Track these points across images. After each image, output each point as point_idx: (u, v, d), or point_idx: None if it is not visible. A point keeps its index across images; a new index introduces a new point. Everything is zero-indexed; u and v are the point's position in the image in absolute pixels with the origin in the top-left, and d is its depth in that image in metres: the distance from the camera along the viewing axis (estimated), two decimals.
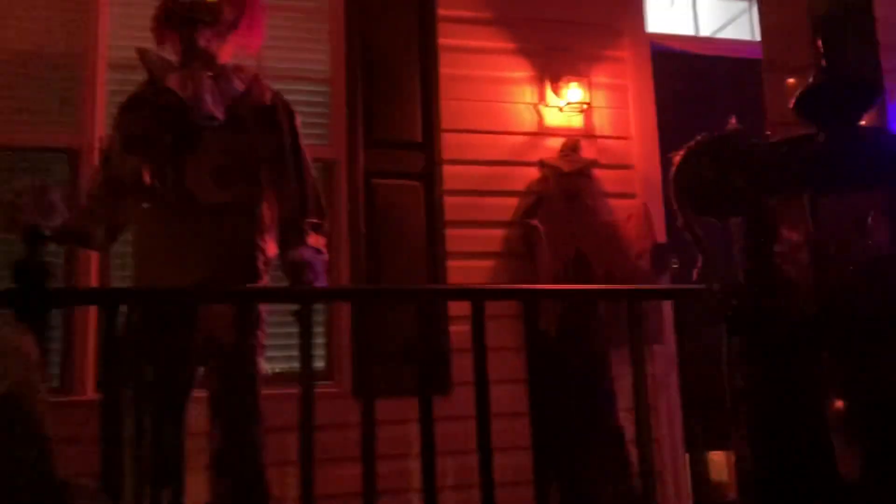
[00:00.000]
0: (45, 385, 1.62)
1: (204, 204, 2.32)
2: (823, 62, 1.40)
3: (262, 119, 2.43)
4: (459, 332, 2.90)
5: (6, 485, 1.35)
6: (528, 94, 3.92)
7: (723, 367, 1.46)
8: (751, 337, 1.34)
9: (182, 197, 2.33)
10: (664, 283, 3.74)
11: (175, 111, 2.34)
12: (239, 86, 2.41)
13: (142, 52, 2.44)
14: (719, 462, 3.28)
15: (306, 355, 1.79)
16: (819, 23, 1.99)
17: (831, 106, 1.38)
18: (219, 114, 2.33)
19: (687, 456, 3.03)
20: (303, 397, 1.81)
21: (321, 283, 2.35)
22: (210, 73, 2.37)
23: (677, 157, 1.36)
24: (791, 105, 1.41)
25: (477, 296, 1.97)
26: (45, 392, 1.61)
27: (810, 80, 1.43)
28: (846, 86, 1.42)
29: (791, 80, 2.34)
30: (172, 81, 2.33)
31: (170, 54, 2.49)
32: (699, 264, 1.36)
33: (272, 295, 2.15)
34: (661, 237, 3.83)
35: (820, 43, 1.61)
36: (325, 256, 2.41)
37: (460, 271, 3.63)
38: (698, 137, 1.42)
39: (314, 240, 2.41)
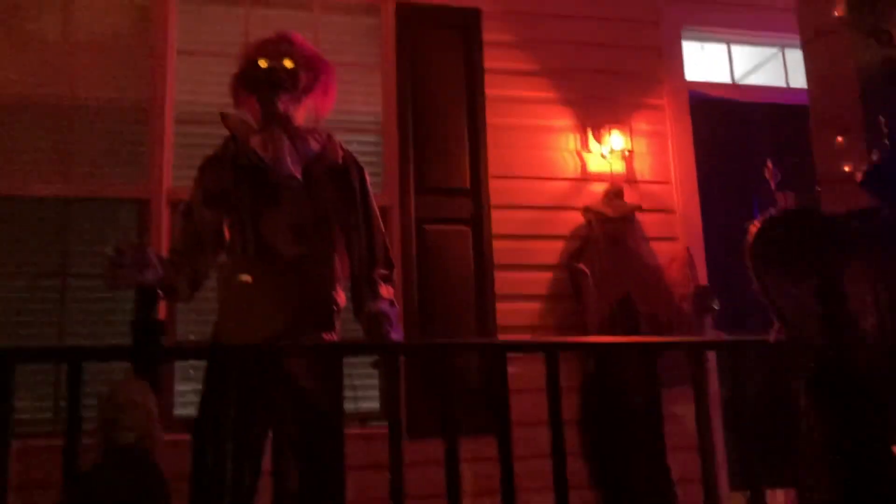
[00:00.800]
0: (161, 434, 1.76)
1: (282, 257, 2.44)
2: (886, 141, 1.52)
3: (335, 176, 2.55)
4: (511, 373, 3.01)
5: None
6: (571, 141, 4.06)
7: (790, 414, 1.57)
8: (828, 390, 1.45)
9: (261, 250, 2.45)
10: (706, 326, 3.86)
11: (256, 170, 2.46)
12: (314, 146, 2.54)
13: (224, 116, 2.56)
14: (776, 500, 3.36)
15: (394, 406, 1.91)
16: (870, 86, 2.12)
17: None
18: (297, 173, 2.46)
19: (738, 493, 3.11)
20: (391, 445, 1.92)
21: (398, 334, 2.46)
22: (288, 135, 2.50)
23: (754, 227, 1.47)
24: (858, 181, 1.53)
25: (498, 349, 2.09)
26: (163, 441, 1.75)
27: (874, 157, 1.55)
28: None
29: (840, 139, 2.46)
30: (255, 143, 2.46)
31: (247, 115, 2.64)
32: (776, 326, 1.47)
33: (360, 348, 2.26)
34: (703, 280, 3.93)
35: (878, 114, 1.73)
36: (398, 308, 2.53)
37: (509, 313, 3.75)
38: (773, 209, 1.54)
39: (386, 291, 2.53)
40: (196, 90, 3.72)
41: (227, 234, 2.54)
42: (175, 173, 3.58)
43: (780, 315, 1.50)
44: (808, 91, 2.67)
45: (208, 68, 3.74)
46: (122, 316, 3.47)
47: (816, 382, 1.43)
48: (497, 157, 3.94)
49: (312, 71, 2.59)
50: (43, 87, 3.58)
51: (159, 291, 2.07)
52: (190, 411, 2.78)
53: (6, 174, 3.46)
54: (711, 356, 3.55)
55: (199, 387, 2.35)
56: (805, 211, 1.52)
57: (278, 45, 2.57)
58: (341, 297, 2.57)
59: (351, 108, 3.86)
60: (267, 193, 2.47)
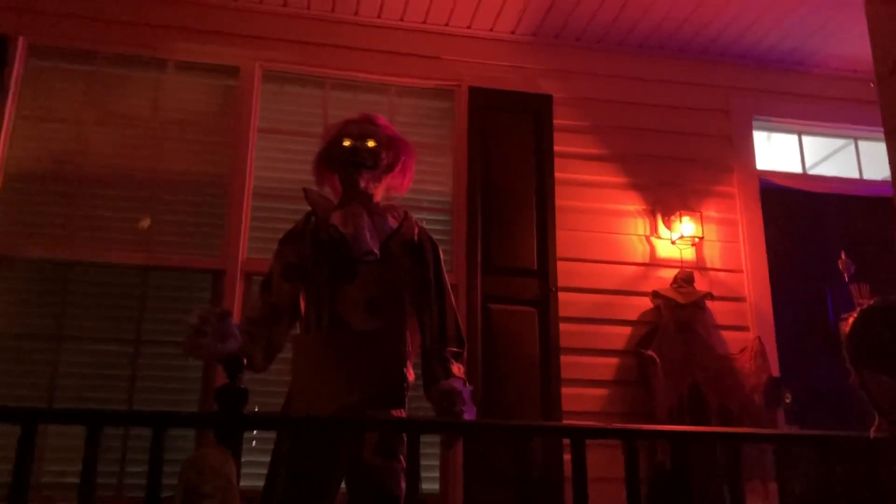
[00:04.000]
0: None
1: (356, 331, 2.45)
2: None
3: (411, 253, 2.57)
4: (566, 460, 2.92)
5: None
6: (640, 226, 4.06)
7: None
8: None
9: (335, 324, 2.47)
10: (778, 418, 3.73)
11: (334, 246, 2.50)
12: (392, 223, 2.57)
13: (306, 192, 2.64)
14: None
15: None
16: None
17: None
18: (376, 248, 2.49)
19: None
20: None
21: (470, 412, 2.43)
22: (368, 212, 2.54)
23: (850, 319, 1.44)
24: None
25: (578, 434, 2.03)
26: None
27: None
28: None
29: None
30: (336, 219, 2.51)
31: (328, 192, 2.70)
32: (877, 422, 1.42)
33: (438, 427, 2.23)
34: (775, 371, 3.83)
35: None
36: (471, 388, 2.50)
37: (574, 398, 3.69)
38: (871, 302, 1.51)
39: (458, 369, 2.50)
40: (273, 167, 3.84)
41: (302, 307, 2.58)
42: (250, 245, 3.67)
43: (879, 409, 1.45)
44: (893, 181, 2.62)
45: (286, 146, 3.87)
46: (190, 384, 3.53)
47: None
48: (565, 239, 3.95)
49: (393, 151, 2.65)
50: (130, 161, 3.74)
51: (243, 360, 2.10)
52: (253, 482, 2.77)
53: (90, 241, 3.60)
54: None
55: (259, 458, 2.34)
56: None
57: (361, 126, 2.64)
58: (411, 374, 2.57)
59: (423, 188, 3.93)
60: (344, 269, 2.49)
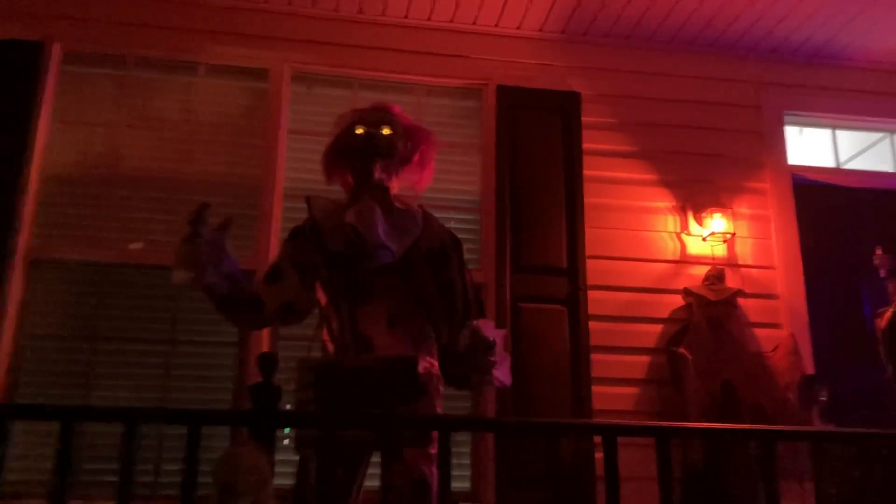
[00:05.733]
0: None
1: (377, 346, 2.28)
2: None
3: (435, 258, 2.39)
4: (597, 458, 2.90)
5: None
6: (670, 223, 4.03)
7: None
8: None
9: (357, 338, 2.29)
10: (813, 417, 3.68)
11: (354, 248, 2.27)
12: (413, 229, 2.37)
13: (309, 200, 2.43)
14: None
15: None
16: None
17: None
18: (392, 246, 2.28)
19: None
20: None
21: (504, 367, 2.26)
22: (381, 206, 2.32)
23: (886, 314, 1.41)
24: None
25: (609, 431, 1.99)
26: None
27: None
28: None
29: None
30: (350, 216, 2.27)
31: (338, 191, 2.49)
32: None
33: (465, 424, 2.22)
34: (810, 369, 3.78)
35: None
36: (503, 331, 2.33)
37: (605, 397, 3.67)
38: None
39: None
40: (303, 167, 3.87)
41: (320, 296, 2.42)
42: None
43: None
44: None
45: (315, 147, 3.87)
46: (223, 383, 3.57)
47: None
48: (595, 237, 3.93)
49: (410, 141, 2.47)
50: (162, 163, 3.80)
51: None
52: (282, 481, 2.79)
53: (124, 243, 3.65)
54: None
55: (293, 456, 2.34)
56: None
57: (376, 114, 2.47)
58: (434, 366, 2.43)
59: (451, 187, 3.95)
60: (361, 285, 2.31)
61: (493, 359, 2.26)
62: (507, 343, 2.32)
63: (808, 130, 4.62)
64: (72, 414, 1.78)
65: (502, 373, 2.33)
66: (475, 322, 2.29)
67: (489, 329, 2.29)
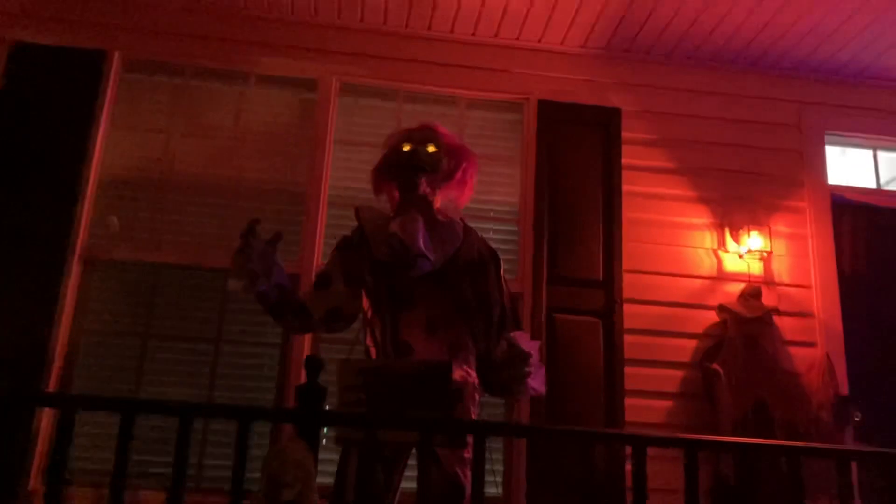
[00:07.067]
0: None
1: (416, 352, 2.39)
2: None
3: (474, 269, 2.52)
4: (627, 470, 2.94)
5: None
6: (707, 239, 4.07)
7: None
8: None
9: (397, 345, 2.42)
10: (847, 437, 3.69)
11: (398, 257, 2.38)
12: (454, 239, 2.51)
13: (358, 210, 2.58)
14: None
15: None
16: None
17: None
18: (431, 256, 2.39)
19: None
20: None
21: (539, 376, 2.39)
22: (425, 217, 2.44)
23: None
24: None
25: (639, 442, 2.05)
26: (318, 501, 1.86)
27: None
28: None
29: None
30: (394, 226, 2.40)
31: (384, 203, 2.65)
32: None
33: (504, 429, 2.28)
34: (844, 389, 3.79)
35: None
36: (538, 342, 2.47)
37: (638, 410, 3.72)
38: None
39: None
40: (348, 176, 3.99)
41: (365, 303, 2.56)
42: (325, 251, 3.81)
43: None
44: None
45: (360, 156, 4.01)
46: (266, 382, 3.70)
47: None
48: (631, 251, 3.98)
49: (454, 159, 2.61)
50: (214, 170, 3.95)
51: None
52: (322, 479, 2.89)
53: (178, 245, 3.81)
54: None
55: (334, 455, 2.44)
56: None
57: (422, 132, 2.60)
58: (472, 375, 2.54)
59: (491, 198, 4.04)
60: (403, 293, 2.44)
61: (528, 369, 2.38)
62: (542, 353, 2.41)
63: (850, 151, 4.62)
64: (133, 406, 1.90)
65: (537, 382, 2.47)
66: (512, 334, 2.42)
67: (525, 341, 2.41)
